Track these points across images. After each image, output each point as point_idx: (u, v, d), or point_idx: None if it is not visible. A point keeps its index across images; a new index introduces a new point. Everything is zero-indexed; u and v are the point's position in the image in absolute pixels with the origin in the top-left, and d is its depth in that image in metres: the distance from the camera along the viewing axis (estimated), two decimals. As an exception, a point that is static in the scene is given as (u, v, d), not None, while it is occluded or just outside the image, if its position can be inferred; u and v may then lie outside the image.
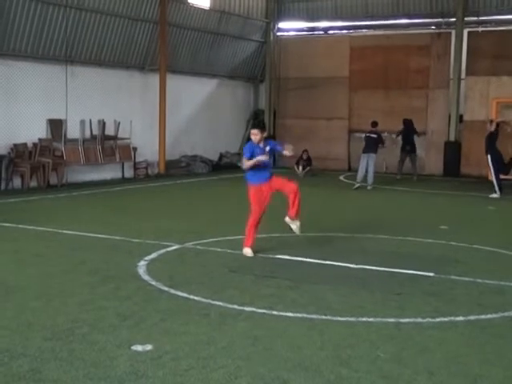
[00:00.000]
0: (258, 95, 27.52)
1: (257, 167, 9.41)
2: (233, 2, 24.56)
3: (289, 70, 26.21)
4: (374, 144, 19.32)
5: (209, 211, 14.37)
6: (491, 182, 17.61)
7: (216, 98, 25.19)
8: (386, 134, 21.97)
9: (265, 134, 9.61)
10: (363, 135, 20.29)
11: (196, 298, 7.19)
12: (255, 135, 9.53)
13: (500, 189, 17.24)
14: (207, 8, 23.43)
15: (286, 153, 9.60)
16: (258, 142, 9.52)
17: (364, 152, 19.32)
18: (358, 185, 19.11)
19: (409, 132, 21.76)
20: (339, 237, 11.12)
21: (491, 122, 18.16)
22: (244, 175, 9.82)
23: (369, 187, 18.98)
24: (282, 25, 26.66)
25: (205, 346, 5.74)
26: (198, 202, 16.24)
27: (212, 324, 6.35)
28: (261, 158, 9.34)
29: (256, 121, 10.20)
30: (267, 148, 9.57)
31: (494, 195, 17.18)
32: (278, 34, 26.66)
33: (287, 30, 26.88)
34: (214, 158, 24.77)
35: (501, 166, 17.58)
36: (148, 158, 21.69)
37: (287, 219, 9.62)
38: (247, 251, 9.47)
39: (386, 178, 21.52)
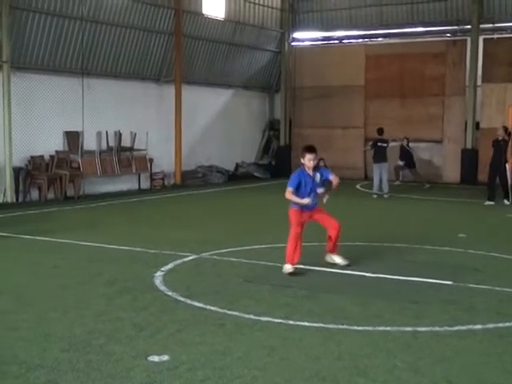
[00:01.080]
0: (273, 105, 27.55)
1: (301, 193, 8.81)
2: (247, 12, 24.65)
3: (304, 79, 26.23)
4: (384, 153, 19.32)
5: (225, 221, 14.37)
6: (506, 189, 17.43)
7: (231, 108, 25.24)
8: (405, 141, 21.92)
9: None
10: (370, 143, 20.30)
11: (212, 308, 7.18)
12: (311, 161, 8.81)
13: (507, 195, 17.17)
14: (222, 19, 23.52)
15: (335, 182, 9.08)
16: (309, 169, 8.85)
17: (376, 162, 19.28)
18: (375, 195, 19.07)
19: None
20: (356, 246, 11.07)
21: (505, 128, 17.98)
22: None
23: (385, 195, 18.95)
24: (296, 35, 26.71)
25: (221, 356, 5.72)
26: (214, 212, 16.25)
27: (228, 334, 6.34)
28: (305, 201, 8.71)
29: (307, 145, 9.14)
30: (317, 177, 8.94)
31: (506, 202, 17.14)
32: (293, 43, 26.70)
33: (302, 40, 26.91)
34: (230, 168, 24.80)
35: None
36: (164, 169, 21.76)
37: (330, 257, 9.27)
38: (287, 268, 8.85)
39: (401, 187, 21.45)
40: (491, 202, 17.17)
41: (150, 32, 20.93)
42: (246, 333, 6.39)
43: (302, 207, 8.85)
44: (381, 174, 19.04)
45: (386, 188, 19.15)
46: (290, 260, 8.85)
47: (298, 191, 8.80)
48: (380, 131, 19.59)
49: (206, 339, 6.16)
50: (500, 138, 17.36)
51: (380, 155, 19.24)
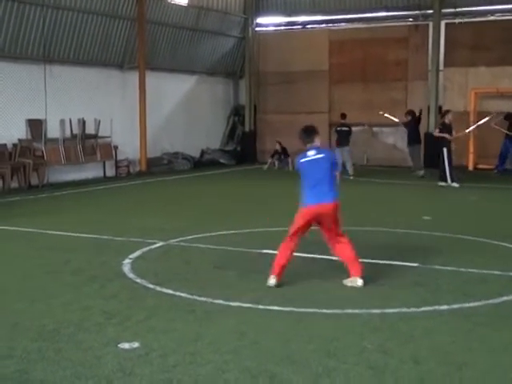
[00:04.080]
0: (237, 91, 27.47)
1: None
2: (210, -2, 24.52)
3: (268, 64, 26.21)
4: (346, 137, 19.95)
5: (192, 208, 14.34)
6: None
7: (196, 94, 25.13)
8: (366, 126, 22.06)
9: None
10: (334, 129, 20.65)
11: (182, 294, 7.19)
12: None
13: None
14: (185, 4, 23.35)
15: None
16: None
17: (338, 146, 19.83)
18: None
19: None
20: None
21: (447, 112, 18.43)
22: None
23: (351, 177, 19.33)
24: (260, 20, 26.62)
25: (191, 342, 5.74)
26: (180, 199, 16.21)
27: (198, 320, 6.36)
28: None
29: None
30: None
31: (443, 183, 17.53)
32: (257, 29, 26.63)
33: (266, 25, 26.84)
34: (196, 154, 24.71)
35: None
36: (129, 156, 21.61)
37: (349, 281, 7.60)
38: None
39: (367, 170, 21.62)
40: (443, 183, 17.51)
41: (113, 18, 20.68)
42: (216, 318, 6.41)
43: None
44: (343, 157, 19.41)
45: (350, 170, 19.67)
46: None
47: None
48: (343, 116, 20.06)
49: (176, 325, 6.17)
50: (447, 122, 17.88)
51: (342, 139, 19.89)
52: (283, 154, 22.99)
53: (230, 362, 5.26)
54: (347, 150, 19.84)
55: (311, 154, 7.58)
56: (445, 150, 17.61)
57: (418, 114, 20.55)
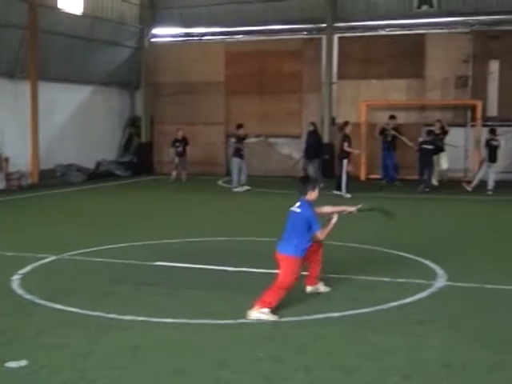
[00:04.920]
0: (134, 102, 27.18)
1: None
2: (105, 7, 24.18)
3: (165, 75, 26.10)
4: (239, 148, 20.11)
5: (85, 221, 14.01)
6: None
7: (91, 105, 24.70)
8: (262, 138, 22.27)
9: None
10: (231, 140, 20.83)
11: (73, 309, 7.03)
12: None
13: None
14: (79, 13, 22.96)
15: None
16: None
17: (234, 157, 20.10)
18: (238, 188, 19.59)
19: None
20: (220, 241, 11.18)
21: (346, 123, 19.06)
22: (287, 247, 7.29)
23: (245, 187, 19.64)
24: (156, 31, 26.49)
25: (83, 357, 5.64)
26: (73, 212, 15.83)
27: (90, 335, 6.25)
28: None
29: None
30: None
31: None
32: (153, 40, 26.48)
33: (162, 36, 26.73)
34: (91, 166, 24.26)
35: None
36: (21, 169, 20.97)
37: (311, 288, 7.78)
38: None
39: (262, 181, 21.84)
40: (338, 192, 17.93)
41: (4, 26, 20.06)
42: (108, 333, 6.32)
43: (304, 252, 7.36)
44: (240, 168, 19.72)
45: (244, 180, 19.89)
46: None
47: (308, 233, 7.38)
48: (238, 127, 20.21)
49: (67, 341, 6.04)
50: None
51: (236, 150, 20.02)
52: (184, 142, 22.67)
53: (121, 378, 5.20)
54: (243, 161, 20.02)
55: (295, 205, 7.44)
56: (345, 161, 18.11)
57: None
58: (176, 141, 22.75)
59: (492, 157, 18.98)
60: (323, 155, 21.26)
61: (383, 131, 20.96)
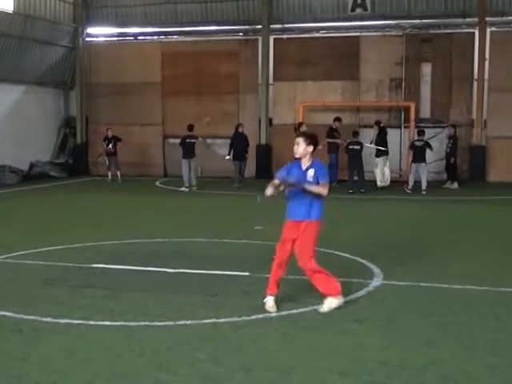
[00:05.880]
0: (68, 102, 26.76)
1: (293, 195, 6.99)
2: (38, 6, 23.74)
3: (100, 75, 25.77)
4: (192, 148, 20.42)
5: (19, 223, 13.75)
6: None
7: (24, 105, 24.20)
8: (200, 139, 22.20)
9: (313, 148, 6.93)
10: (180, 140, 20.73)
11: (7, 313, 6.89)
12: (297, 145, 6.91)
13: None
14: (11, 12, 22.45)
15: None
16: (301, 158, 6.98)
17: (185, 157, 20.22)
18: (186, 189, 19.87)
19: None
20: (158, 242, 11.11)
21: (301, 124, 19.24)
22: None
23: (194, 188, 19.96)
24: (91, 30, 26.14)
25: (18, 362, 5.53)
26: (6, 214, 15.48)
27: (25, 339, 6.13)
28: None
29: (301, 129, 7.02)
30: (310, 172, 6.92)
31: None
32: (88, 39, 26.12)
33: (97, 36, 26.39)
34: (25, 167, 23.78)
35: None
36: (-49, 170, 20.42)
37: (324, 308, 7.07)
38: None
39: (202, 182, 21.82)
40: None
41: None
42: (44, 337, 6.21)
43: (289, 216, 7.11)
44: (190, 168, 20.01)
45: (194, 181, 20.17)
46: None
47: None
48: (190, 127, 20.28)
49: (2, 346, 5.92)
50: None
51: (188, 151, 20.21)
52: (114, 141, 22.50)
53: (58, 382, 5.11)
54: (194, 162, 20.39)
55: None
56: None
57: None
58: (105, 139, 22.58)
59: (418, 157, 19.23)
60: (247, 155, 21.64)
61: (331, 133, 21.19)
